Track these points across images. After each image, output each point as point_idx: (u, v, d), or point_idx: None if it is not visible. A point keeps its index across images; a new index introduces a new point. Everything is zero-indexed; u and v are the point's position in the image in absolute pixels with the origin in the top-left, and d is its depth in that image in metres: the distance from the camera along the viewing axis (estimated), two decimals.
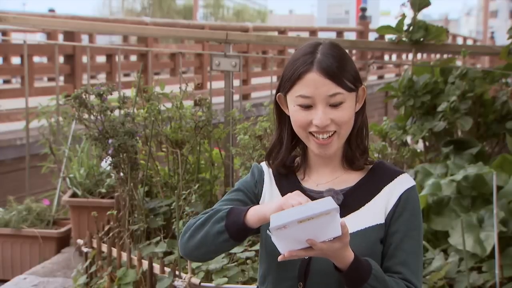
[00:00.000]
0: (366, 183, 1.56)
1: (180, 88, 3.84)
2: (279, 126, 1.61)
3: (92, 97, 3.64)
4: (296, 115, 1.51)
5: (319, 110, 1.48)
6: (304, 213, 1.28)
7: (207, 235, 1.50)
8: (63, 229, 4.27)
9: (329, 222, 1.30)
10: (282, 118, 1.60)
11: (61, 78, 8.37)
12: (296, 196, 1.40)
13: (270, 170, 1.64)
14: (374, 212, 1.52)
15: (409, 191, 1.53)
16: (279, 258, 1.36)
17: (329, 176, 1.58)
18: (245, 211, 1.47)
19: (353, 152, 1.56)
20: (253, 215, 1.46)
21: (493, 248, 2.91)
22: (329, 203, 1.29)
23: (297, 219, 1.28)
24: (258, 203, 1.60)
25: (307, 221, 1.29)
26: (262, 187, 1.62)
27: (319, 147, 1.51)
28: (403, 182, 1.55)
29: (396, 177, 1.55)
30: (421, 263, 1.54)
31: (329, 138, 1.50)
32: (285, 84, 1.52)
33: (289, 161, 1.62)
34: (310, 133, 1.51)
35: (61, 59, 8.08)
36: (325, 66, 1.47)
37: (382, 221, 1.51)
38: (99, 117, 3.55)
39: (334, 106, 1.48)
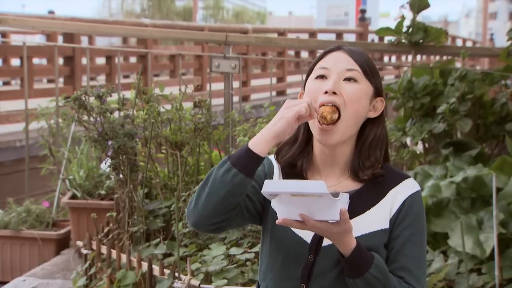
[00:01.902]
0: (371, 187, 1.55)
1: (179, 89, 3.84)
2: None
3: (92, 99, 3.64)
4: (310, 87, 1.55)
5: (332, 79, 1.52)
6: (297, 188, 1.31)
7: (214, 181, 1.43)
8: (62, 231, 4.26)
9: (324, 204, 1.34)
10: None
11: (61, 79, 8.37)
12: (294, 101, 1.45)
13: (279, 165, 1.63)
14: (378, 217, 1.52)
15: (414, 196, 1.53)
16: (276, 222, 1.39)
17: (334, 180, 1.57)
18: (246, 143, 1.45)
19: (362, 161, 1.55)
20: (256, 141, 1.43)
21: (493, 250, 2.91)
22: (320, 187, 1.30)
23: (288, 191, 1.32)
24: None
25: (300, 196, 1.32)
26: (272, 179, 1.61)
27: (321, 133, 1.51)
28: (408, 187, 1.55)
29: (401, 182, 1.55)
30: (424, 268, 1.53)
31: (332, 125, 1.50)
32: (309, 70, 1.59)
33: (296, 160, 1.61)
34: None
35: (60, 60, 8.07)
36: (352, 50, 1.57)
37: (387, 226, 1.51)
38: (98, 118, 3.55)
39: (348, 80, 1.53)
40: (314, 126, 1.53)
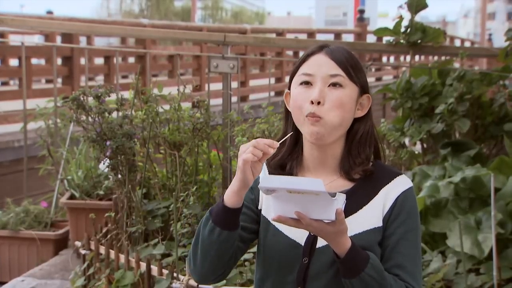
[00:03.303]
0: (363, 186, 1.54)
1: (178, 90, 3.84)
2: (285, 124, 1.62)
3: (90, 99, 3.64)
4: (295, 94, 1.53)
5: (317, 87, 1.50)
6: (293, 185, 1.31)
7: (203, 242, 1.48)
8: (61, 231, 4.26)
9: (321, 203, 1.33)
10: (289, 117, 1.60)
11: (59, 80, 8.36)
12: (244, 146, 1.41)
13: (267, 172, 1.61)
14: (372, 215, 1.51)
15: (406, 193, 1.52)
16: (271, 218, 1.38)
17: (326, 180, 1.55)
18: (223, 197, 1.46)
19: (353, 159, 1.54)
20: (228, 194, 1.45)
21: (491, 250, 2.91)
22: (316, 185, 1.29)
23: (285, 188, 1.31)
24: (257, 209, 1.59)
25: (297, 193, 1.31)
26: (259, 192, 1.59)
27: (311, 126, 1.48)
28: (400, 184, 1.53)
29: (393, 179, 1.54)
30: (420, 265, 1.52)
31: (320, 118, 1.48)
32: (293, 72, 1.57)
33: (286, 163, 1.60)
34: (306, 117, 1.50)
35: (59, 61, 8.07)
36: (333, 51, 1.53)
37: (380, 224, 1.50)
38: (97, 119, 3.54)
39: (333, 86, 1.50)
40: (304, 124, 1.51)
